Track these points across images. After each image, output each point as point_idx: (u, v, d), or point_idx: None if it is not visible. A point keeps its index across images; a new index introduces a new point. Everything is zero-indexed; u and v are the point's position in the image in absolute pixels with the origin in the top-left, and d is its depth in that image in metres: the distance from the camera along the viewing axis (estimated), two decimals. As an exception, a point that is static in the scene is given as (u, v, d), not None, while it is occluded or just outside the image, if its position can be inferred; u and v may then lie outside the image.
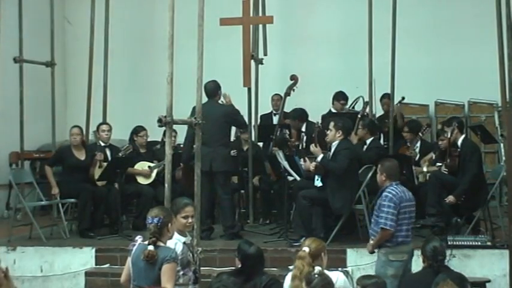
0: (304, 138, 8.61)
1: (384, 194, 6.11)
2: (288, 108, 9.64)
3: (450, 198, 7.68)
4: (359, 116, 8.61)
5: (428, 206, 7.76)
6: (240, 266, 5.30)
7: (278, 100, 9.94)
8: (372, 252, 6.35)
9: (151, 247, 4.78)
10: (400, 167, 6.55)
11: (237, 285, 5.16)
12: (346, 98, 9.41)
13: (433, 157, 8.47)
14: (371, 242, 6.24)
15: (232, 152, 9.49)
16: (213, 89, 8.11)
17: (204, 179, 7.83)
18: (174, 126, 6.78)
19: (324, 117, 8.83)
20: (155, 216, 4.88)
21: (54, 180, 8.42)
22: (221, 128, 8.07)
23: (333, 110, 9.32)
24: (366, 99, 9.28)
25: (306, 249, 5.08)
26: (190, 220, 5.36)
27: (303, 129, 9.11)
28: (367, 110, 9.01)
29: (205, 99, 7.81)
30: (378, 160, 7.64)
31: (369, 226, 7.08)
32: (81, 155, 8.55)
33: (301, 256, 5.03)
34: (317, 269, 4.88)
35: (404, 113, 10.47)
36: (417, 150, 8.77)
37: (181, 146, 9.73)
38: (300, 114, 9.23)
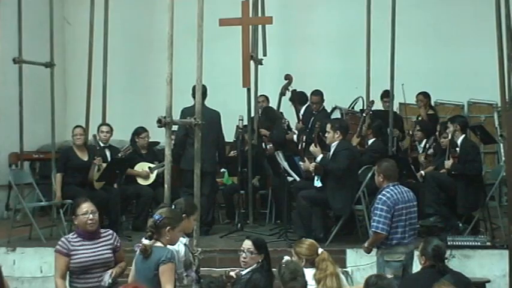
0: (304, 137, 8.61)
1: (379, 196, 6.07)
2: (284, 108, 9.69)
3: (447, 163, 7.73)
4: (364, 115, 8.61)
5: (426, 206, 7.77)
6: (263, 260, 5.26)
7: (264, 101, 9.95)
8: (368, 253, 6.36)
9: (145, 241, 4.79)
10: (399, 167, 6.52)
11: (268, 279, 5.15)
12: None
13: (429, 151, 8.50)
14: (365, 243, 6.26)
15: (232, 152, 9.54)
16: (202, 92, 8.05)
17: (191, 178, 7.88)
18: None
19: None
20: (159, 214, 4.90)
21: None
22: (211, 130, 8.08)
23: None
24: (366, 99, 9.28)
25: (322, 250, 5.25)
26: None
27: (301, 112, 9.28)
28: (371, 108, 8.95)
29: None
30: (373, 163, 7.69)
31: (368, 227, 7.08)
32: (84, 156, 8.53)
33: (324, 258, 5.14)
34: (285, 258, 4.91)
35: (404, 114, 10.48)
36: (420, 149, 8.78)
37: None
38: (299, 97, 9.33)
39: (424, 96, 9.52)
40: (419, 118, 9.36)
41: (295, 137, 9.30)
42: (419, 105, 9.59)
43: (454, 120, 8.08)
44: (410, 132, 9.39)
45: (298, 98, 9.38)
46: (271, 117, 9.54)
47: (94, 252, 5.27)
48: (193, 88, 8.05)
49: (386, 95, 9.45)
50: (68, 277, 5.33)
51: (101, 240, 5.36)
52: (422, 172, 8.31)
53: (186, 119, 7.39)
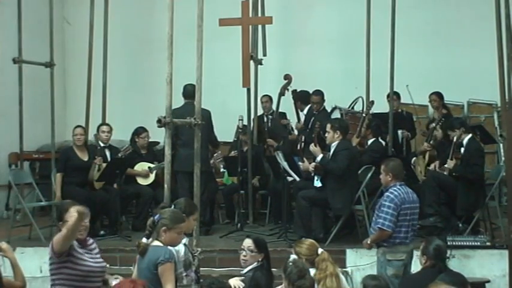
0: (303, 138, 8.61)
1: (386, 194, 6.11)
2: (283, 108, 9.67)
3: (450, 163, 7.74)
4: (363, 115, 8.61)
5: (426, 206, 7.76)
6: (263, 259, 5.29)
7: (267, 102, 9.94)
8: (369, 249, 6.36)
9: (143, 239, 4.81)
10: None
11: (269, 278, 5.18)
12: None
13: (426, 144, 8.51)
14: (368, 239, 6.26)
15: (232, 152, 9.54)
16: (192, 91, 7.99)
17: (184, 179, 7.88)
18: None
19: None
20: (159, 214, 4.92)
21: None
22: (202, 130, 8.03)
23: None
24: (366, 99, 9.28)
25: (322, 250, 5.24)
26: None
27: (304, 112, 9.29)
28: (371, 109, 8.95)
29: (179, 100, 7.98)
30: (373, 163, 7.70)
31: (368, 226, 7.09)
32: (84, 156, 8.53)
33: (324, 258, 5.15)
34: (292, 257, 4.93)
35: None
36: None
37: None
38: (303, 97, 9.31)
39: (438, 95, 9.47)
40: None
41: (296, 137, 9.33)
42: (432, 105, 9.54)
43: (455, 123, 8.05)
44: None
45: (301, 98, 9.37)
46: (280, 130, 9.55)
47: (94, 259, 4.79)
48: (184, 87, 8.13)
49: (396, 96, 9.46)
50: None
51: (91, 248, 4.85)
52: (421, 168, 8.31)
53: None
